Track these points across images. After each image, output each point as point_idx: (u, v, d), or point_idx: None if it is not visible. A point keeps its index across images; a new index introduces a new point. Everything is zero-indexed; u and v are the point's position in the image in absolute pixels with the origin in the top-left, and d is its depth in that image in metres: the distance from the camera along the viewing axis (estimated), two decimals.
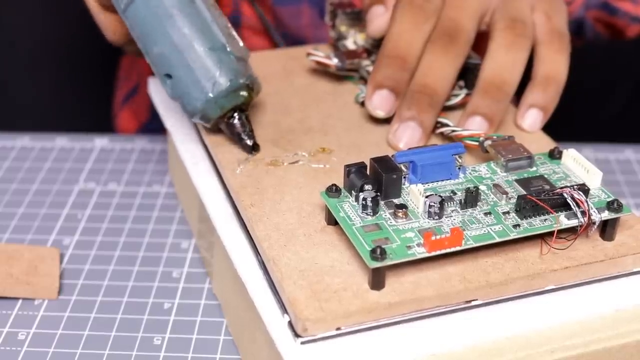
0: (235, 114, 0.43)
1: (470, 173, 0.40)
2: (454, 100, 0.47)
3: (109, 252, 0.49)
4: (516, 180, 0.39)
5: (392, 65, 0.45)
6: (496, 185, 0.39)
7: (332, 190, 0.38)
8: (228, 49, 0.42)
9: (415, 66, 0.45)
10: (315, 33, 0.65)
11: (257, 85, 0.44)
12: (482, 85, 0.46)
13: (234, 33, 0.43)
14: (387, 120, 0.46)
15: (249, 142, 0.43)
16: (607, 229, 0.37)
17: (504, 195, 0.38)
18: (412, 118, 0.44)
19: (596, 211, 0.37)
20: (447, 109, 0.47)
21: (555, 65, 0.47)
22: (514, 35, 0.46)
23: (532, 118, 0.46)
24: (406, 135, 0.44)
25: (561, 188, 0.37)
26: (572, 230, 0.37)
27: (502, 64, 0.46)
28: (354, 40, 0.52)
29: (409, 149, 0.40)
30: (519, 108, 0.47)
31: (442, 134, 0.45)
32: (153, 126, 0.71)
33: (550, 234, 0.36)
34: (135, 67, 0.77)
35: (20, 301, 0.45)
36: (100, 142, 0.60)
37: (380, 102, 0.45)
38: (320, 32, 0.64)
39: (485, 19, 0.48)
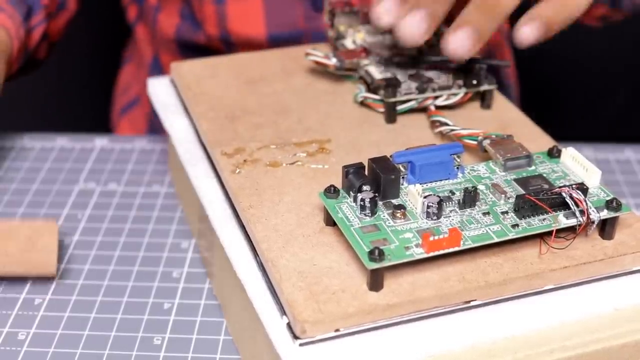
0: None
1: (468, 172, 0.40)
2: (453, 100, 0.47)
3: (109, 252, 0.49)
4: (515, 180, 0.39)
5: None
6: (495, 185, 0.39)
7: (331, 191, 0.38)
8: None
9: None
10: (310, 25, 0.64)
11: None
12: (476, 1, 0.44)
13: None
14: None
15: None
16: (606, 228, 0.37)
17: (503, 195, 0.38)
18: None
19: (595, 210, 0.37)
20: (446, 108, 0.47)
21: None
22: None
23: (529, 28, 0.44)
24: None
25: (560, 187, 0.37)
26: (571, 230, 0.37)
27: None
28: (352, 39, 0.52)
29: (407, 149, 0.40)
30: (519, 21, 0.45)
31: (440, 133, 0.45)
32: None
33: (549, 233, 0.36)
34: (136, 80, 0.77)
35: (20, 301, 0.45)
36: (100, 142, 0.60)
37: (390, 9, 0.43)
38: (315, 24, 0.64)
39: None
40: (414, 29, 0.42)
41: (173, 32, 0.68)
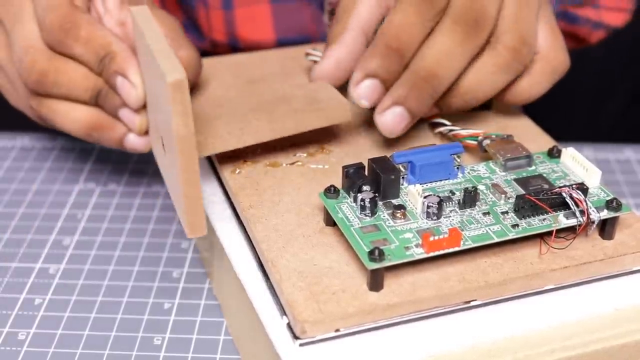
0: None
1: (468, 173, 0.40)
2: None
3: (109, 252, 0.49)
4: (515, 180, 0.39)
5: (390, 57, 0.42)
6: (495, 185, 0.39)
7: (331, 191, 0.38)
8: None
9: (409, 61, 0.42)
10: (319, 28, 0.64)
11: None
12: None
13: None
14: None
15: None
16: (606, 228, 0.37)
17: (503, 195, 0.38)
18: (407, 105, 0.41)
19: (595, 210, 0.37)
20: None
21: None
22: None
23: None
24: (393, 120, 0.41)
25: (560, 187, 0.37)
26: (571, 230, 0.37)
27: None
28: None
29: (407, 149, 0.40)
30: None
31: (440, 133, 0.45)
32: None
33: (549, 233, 0.36)
34: None
35: (20, 301, 0.45)
36: None
37: (368, 92, 0.42)
38: (324, 27, 0.64)
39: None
40: (391, 126, 0.42)
41: None
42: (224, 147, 0.40)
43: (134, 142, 0.44)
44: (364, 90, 0.42)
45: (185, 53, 0.45)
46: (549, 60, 0.45)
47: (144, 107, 0.42)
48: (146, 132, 0.43)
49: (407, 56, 0.42)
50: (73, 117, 0.45)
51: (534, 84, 0.45)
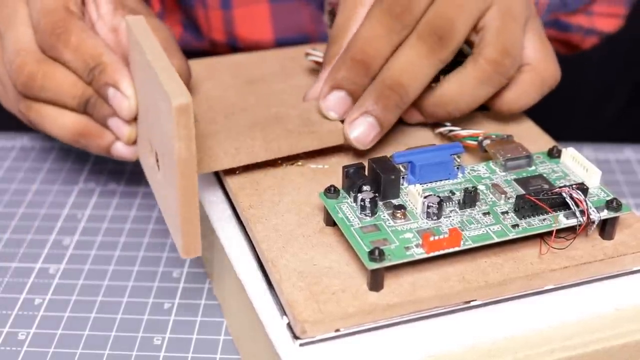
0: None
1: (469, 173, 0.40)
2: None
3: (109, 252, 0.49)
4: (515, 180, 0.39)
5: (356, 69, 0.42)
6: (495, 185, 0.39)
7: (331, 191, 0.38)
8: None
9: (376, 74, 0.43)
10: (318, 28, 0.64)
11: None
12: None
13: None
14: None
15: None
16: (606, 228, 0.37)
17: (503, 195, 0.38)
18: (375, 115, 0.42)
19: (595, 210, 0.37)
20: None
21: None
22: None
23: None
24: (362, 130, 0.42)
25: (560, 187, 0.37)
26: (571, 230, 0.37)
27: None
28: None
29: (407, 149, 0.40)
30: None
31: (440, 134, 0.45)
32: None
33: (549, 233, 0.36)
34: None
35: (20, 301, 0.45)
36: None
37: (336, 104, 0.43)
38: (322, 27, 0.64)
39: (479, 23, 0.44)
40: (361, 137, 0.42)
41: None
42: (219, 167, 0.41)
43: (121, 151, 0.45)
44: (331, 102, 0.43)
45: (176, 63, 0.45)
46: (539, 71, 0.45)
47: (134, 117, 0.42)
48: (134, 142, 0.44)
49: (373, 68, 0.42)
50: (61, 122, 0.45)
51: (523, 95, 0.45)
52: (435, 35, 0.42)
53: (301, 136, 0.42)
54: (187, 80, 0.47)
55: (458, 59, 0.44)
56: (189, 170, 0.34)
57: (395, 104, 0.42)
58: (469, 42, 0.44)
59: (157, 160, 0.39)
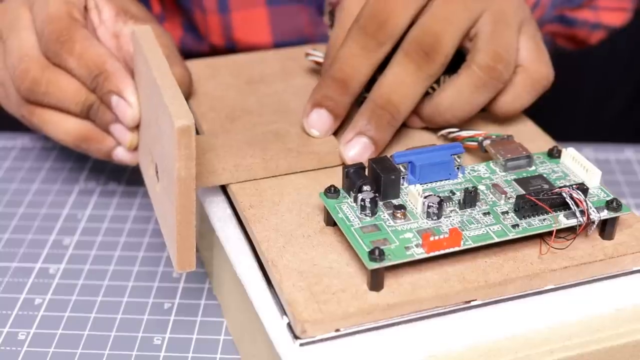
0: None
1: (469, 173, 0.40)
2: None
3: (109, 252, 0.49)
4: (515, 180, 0.39)
5: (334, 88, 0.43)
6: (495, 185, 0.39)
7: (331, 191, 0.38)
8: None
9: (358, 92, 0.43)
10: (316, 30, 0.64)
11: None
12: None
13: None
14: None
15: None
16: (606, 228, 0.37)
17: (503, 195, 0.38)
18: (369, 134, 0.42)
19: (595, 210, 0.37)
20: None
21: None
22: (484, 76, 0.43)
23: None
24: (357, 151, 0.42)
25: (560, 188, 0.37)
26: (571, 230, 0.37)
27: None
28: None
29: (407, 149, 0.40)
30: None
31: (442, 136, 0.45)
32: None
33: (550, 233, 0.36)
34: None
35: (20, 301, 0.45)
36: None
37: (317, 122, 0.43)
38: (321, 29, 0.64)
39: (472, 31, 0.44)
40: (356, 157, 0.42)
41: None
42: (218, 182, 0.41)
43: (123, 156, 0.45)
44: (313, 121, 0.43)
45: (177, 71, 0.46)
46: (530, 73, 0.45)
47: (137, 125, 0.43)
48: (135, 148, 0.44)
49: (353, 86, 0.43)
50: (63, 127, 0.46)
51: (516, 97, 0.45)
52: (422, 51, 0.42)
53: (300, 156, 0.42)
54: (188, 88, 0.47)
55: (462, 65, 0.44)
56: (188, 190, 0.35)
57: (387, 123, 0.42)
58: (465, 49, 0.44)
59: (157, 172, 0.39)
